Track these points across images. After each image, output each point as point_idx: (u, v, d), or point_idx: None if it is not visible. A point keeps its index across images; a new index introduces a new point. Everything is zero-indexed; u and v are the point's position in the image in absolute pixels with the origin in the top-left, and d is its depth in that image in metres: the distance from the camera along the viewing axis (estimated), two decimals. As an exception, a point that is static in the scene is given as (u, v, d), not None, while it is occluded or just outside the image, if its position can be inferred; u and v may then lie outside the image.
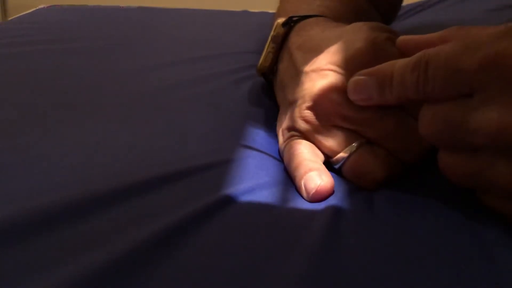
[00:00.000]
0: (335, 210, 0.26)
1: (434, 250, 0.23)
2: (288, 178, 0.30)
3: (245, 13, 0.89)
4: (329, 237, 0.24)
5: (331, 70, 0.30)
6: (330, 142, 0.30)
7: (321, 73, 0.31)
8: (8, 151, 0.33)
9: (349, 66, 0.29)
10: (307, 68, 0.32)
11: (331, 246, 0.23)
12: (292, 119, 0.32)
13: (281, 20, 0.40)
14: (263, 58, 0.40)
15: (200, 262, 0.22)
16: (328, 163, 0.30)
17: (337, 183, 0.29)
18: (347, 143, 0.29)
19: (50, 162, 0.31)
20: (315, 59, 0.32)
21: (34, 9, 0.92)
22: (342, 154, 0.29)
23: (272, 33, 0.40)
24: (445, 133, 0.24)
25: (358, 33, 0.31)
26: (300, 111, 0.31)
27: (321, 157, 0.31)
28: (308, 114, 0.31)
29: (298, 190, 0.28)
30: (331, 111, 0.30)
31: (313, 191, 0.27)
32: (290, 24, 0.39)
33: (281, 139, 0.33)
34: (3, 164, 0.31)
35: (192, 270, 0.22)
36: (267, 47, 0.40)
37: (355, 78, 0.28)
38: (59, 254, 0.22)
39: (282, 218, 0.26)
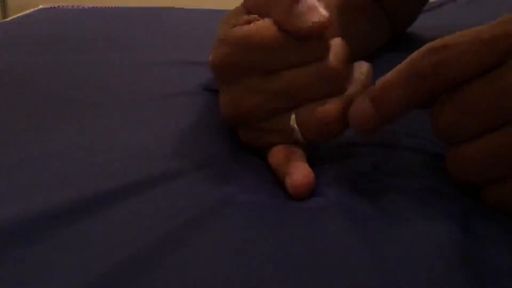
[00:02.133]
0: (334, 209, 0.26)
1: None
2: None
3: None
4: (329, 237, 0.24)
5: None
6: (279, 137, 0.31)
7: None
8: (7, 151, 0.33)
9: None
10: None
11: (331, 246, 0.23)
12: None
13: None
14: None
15: (200, 262, 0.22)
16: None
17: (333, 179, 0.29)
18: (283, 124, 0.30)
19: (50, 162, 0.31)
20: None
21: (34, 9, 0.92)
22: (296, 137, 0.30)
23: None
24: (497, 165, 0.24)
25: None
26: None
27: (298, 151, 0.30)
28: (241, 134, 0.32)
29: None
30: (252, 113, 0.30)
31: (291, 190, 0.28)
32: None
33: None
34: (2, 164, 0.31)
35: (192, 270, 0.22)
36: None
37: (355, 104, 0.27)
38: (59, 254, 0.22)
39: (283, 217, 0.26)
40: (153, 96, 0.44)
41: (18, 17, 0.85)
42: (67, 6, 0.94)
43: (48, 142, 0.34)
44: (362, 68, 0.31)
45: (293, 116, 0.30)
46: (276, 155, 0.30)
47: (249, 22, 0.30)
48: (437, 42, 0.24)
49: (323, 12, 0.28)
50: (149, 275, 0.21)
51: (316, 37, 0.29)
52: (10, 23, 0.81)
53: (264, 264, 0.22)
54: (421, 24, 0.63)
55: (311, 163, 0.30)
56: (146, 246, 0.23)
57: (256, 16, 0.30)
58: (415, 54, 0.25)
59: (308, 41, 0.28)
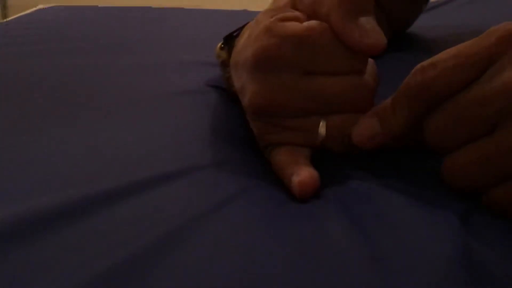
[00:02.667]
0: (334, 210, 0.26)
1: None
2: None
3: (245, 12, 0.89)
4: (328, 237, 0.24)
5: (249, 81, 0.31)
6: (300, 137, 0.31)
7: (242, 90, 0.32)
8: (7, 151, 0.33)
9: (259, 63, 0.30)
10: (235, 83, 0.33)
11: (330, 246, 0.23)
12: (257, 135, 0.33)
13: (218, 45, 0.41)
14: (225, 84, 0.40)
15: (200, 262, 0.22)
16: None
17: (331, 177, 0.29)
18: (312, 127, 0.30)
19: (50, 161, 0.31)
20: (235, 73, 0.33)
21: (34, 9, 0.92)
22: (319, 141, 0.30)
23: (218, 60, 0.41)
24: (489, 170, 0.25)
25: (256, 28, 0.31)
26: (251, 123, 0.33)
27: (304, 152, 0.31)
28: (258, 126, 0.32)
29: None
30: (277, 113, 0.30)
31: (296, 188, 0.28)
32: (228, 44, 0.39)
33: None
34: (2, 163, 0.31)
35: (192, 270, 0.22)
36: (222, 73, 0.40)
37: (361, 122, 0.29)
38: (59, 254, 0.22)
39: (282, 217, 0.26)
40: (153, 96, 0.44)
41: (17, 17, 0.85)
42: (66, 6, 0.94)
43: (48, 142, 0.34)
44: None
45: (323, 123, 0.30)
46: (283, 154, 0.30)
47: (298, 19, 0.30)
48: (425, 62, 0.27)
49: (382, 34, 0.29)
50: (149, 275, 0.21)
51: (367, 54, 0.30)
52: (10, 23, 0.80)
53: (264, 264, 0.22)
54: (421, 24, 0.63)
55: (313, 163, 0.30)
56: (146, 246, 0.23)
57: (302, 14, 0.31)
58: (409, 75, 0.28)
59: (356, 54, 0.29)
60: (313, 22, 0.29)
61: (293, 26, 0.29)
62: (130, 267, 0.21)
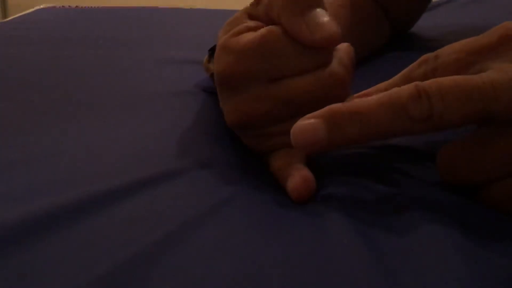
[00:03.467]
0: (334, 211, 0.26)
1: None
2: None
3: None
4: (329, 238, 0.24)
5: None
6: (288, 140, 0.29)
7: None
8: (7, 150, 0.33)
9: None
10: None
11: (331, 247, 0.23)
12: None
13: (205, 57, 0.41)
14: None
15: (200, 262, 0.22)
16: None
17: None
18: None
19: (49, 161, 0.31)
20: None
21: (34, 9, 0.92)
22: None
23: (207, 73, 0.40)
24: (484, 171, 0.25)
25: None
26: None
27: (299, 155, 0.30)
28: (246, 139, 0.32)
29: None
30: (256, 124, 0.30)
31: (292, 193, 0.27)
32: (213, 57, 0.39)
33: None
34: (2, 163, 0.31)
35: (192, 270, 0.22)
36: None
37: (300, 123, 0.26)
38: (59, 254, 0.22)
39: (282, 218, 0.26)
40: (153, 96, 0.44)
41: (17, 17, 0.85)
42: (67, 6, 0.94)
43: (48, 142, 0.34)
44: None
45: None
46: (278, 158, 0.30)
47: (251, 29, 0.30)
48: (431, 54, 0.27)
49: (334, 25, 0.28)
50: (149, 275, 0.21)
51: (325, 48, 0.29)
52: (10, 23, 0.80)
53: (264, 265, 0.22)
54: (421, 24, 0.63)
55: (312, 167, 0.30)
56: (146, 246, 0.23)
57: (258, 22, 0.30)
58: (410, 67, 0.28)
59: (315, 49, 0.29)
60: (265, 28, 0.29)
61: (247, 37, 0.29)
62: (130, 267, 0.21)
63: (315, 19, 0.28)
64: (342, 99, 0.29)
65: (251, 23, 0.30)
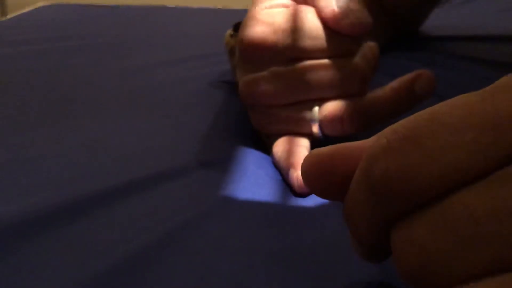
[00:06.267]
0: (334, 208, 0.26)
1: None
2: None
3: (246, 11, 0.89)
4: (329, 236, 0.24)
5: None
6: (295, 127, 0.31)
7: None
8: (7, 150, 0.33)
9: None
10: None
11: (330, 245, 0.23)
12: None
13: (228, 32, 0.41)
14: (232, 73, 0.40)
15: (199, 261, 0.22)
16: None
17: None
18: (306, 115, 0.30)
19: (49, 161, 0.31)
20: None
21: (34, 7, 0.92)
22: (315, 130, 0.30)
23: (226, 48, 0.40)
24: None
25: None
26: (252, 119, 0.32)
27: (303, 143, 0.31)
28: (256, 121, 0.32)
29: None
30: (267, 102, 0.30)
31: (295, 183, 0.28)
32: (237, 32, 0.39)
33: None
34: (2, 163, 0.31)
35: (192, 269, 0.22)
36: (230, 62, 0.40)
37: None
38: (58, 254, 0.22)
39: (282, 216, 0.26)
40: (153, 96, 0.44)
41: (17, 15, 0.85)
42: (66, 4, 0.94)
43: (47, 142, 0.34)
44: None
45: (316, 109, 0.30)
46: (282, 145, 0.30)
47: (285, 6, 0.30)
48: (396, 131, 0.15)
49: (365, 14, 0.29)
50: (148, 275, 0.21)
51: (351, 36, 0.29)
52: (9, 22, 0.80)
53: (264, 264, 0.22)
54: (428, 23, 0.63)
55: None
56: (146, 245, 0.23)
57: (292, 1, 0.31)
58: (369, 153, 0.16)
59: (341, 37, 0.29)
60: (299, 7, 0.29)
61: (279, 12, 0.29)
62: (130, 266, 0.21)
63: (346, 6, 0.28)
64: (358, 93, 0.30)
65: (285, 0, 0.31)
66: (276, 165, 0.30)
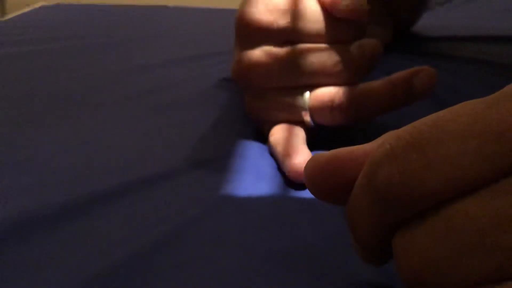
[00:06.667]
0: (334, 207, 0.26)
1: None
2: None
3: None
4: (329, 235, 0.24)
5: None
6: (287, 113, 0.31)
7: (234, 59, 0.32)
8: (6, 150, 0.33)
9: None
10: None
11: (331, 244, 0.23)
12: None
13: None
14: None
15: (199, 261, 0.22)
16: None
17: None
18: (297, 102, 0.30)
19: (49, 161, 0.31)
20: None
21: (33, 7, 0.92)
22: (306, 118, 0.30)
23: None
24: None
25: None
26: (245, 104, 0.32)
27: (299, 132, 0.30)
28: (249, 99, 0.32)
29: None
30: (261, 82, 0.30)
31: (291, 173, 0.28)
32: None
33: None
34: (2, 163, 0.31)
35: (191, 269, 0.22)
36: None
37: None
38: (57, 253, 0.22)
39: (281, 215, 0.26)
40: (153, 95, 0.44)
41: (17, 15, 0.85)
42: (66, 4, 0.94)
43: (47, 142, 0.34)
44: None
45: (307, 95, 0.30)
46: (278, 134, 0.30)
47: None
48: (400, 139, 0.15)
49: (364, 1, 0.28)
50: (148, 275, 0.21)
51: (348, 21, 0.29)
52: (9, 22, 0.80)
53: (264, 263, 0.22)
54: (420, 23, 0.63)
55: (311, 145, 0.30)
56: (145, 245, 0.23)
57: None
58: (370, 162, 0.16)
59: (339, 22, 0.29)
60: None
61: None
62: (129, 266, 0.21)
63: None
64: (349, 82, 0.29)
65: None
66: (271, 153, 0.30)
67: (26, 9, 0.89)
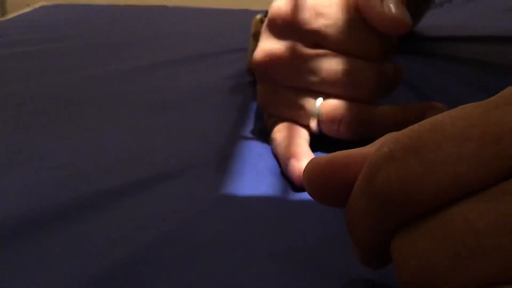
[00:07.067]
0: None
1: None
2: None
3: (245, 11, 0.89)
4: (329, 234, 0.24)
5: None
6: (296, 114, 0.31)
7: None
8: (7, 150, 0.33)
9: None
10: None
11: (331, 243, 0.23)
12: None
13: (258, 16, 0.40)
14: (249, 57, 0.40)
15: (199, 261, 0.22)
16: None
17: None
18: (308, 105, 0.30)
19: (48, 161, 0.31)
20: None
21: (34, 7, 0.92)
22: (312, 124, 0.30)
23: (252, 30, 0.40)
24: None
25: None
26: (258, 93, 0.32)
27: (303, 135, 0.31)
28: (261, 89, 0.32)
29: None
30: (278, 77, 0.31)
31: (296, 177, 0.28)
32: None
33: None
34: (2, 163, 0.31)
35: (191, 269, 0.22)
36: (250, 45, 0.40)
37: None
38: (56, 254, 0.22)
39: (282, 214, 0.26)
40: (153, 95, 0.44)
41: (17, 15, 0.85)
42: (66, 4, 0.94)
43: (47, 142, 0.34)
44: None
45: (319, 102, 0.30)
46: (282, 132, 0.30)
47: None
48: (399, 141, 0.15)
49: (408, 16, 0.28)
50: (147, 275, 0.21)
51: (384, 35, 0.29)
52: (9, 22, 0.80)
53: (264, 263, 0.22)
54: (420, 23, 0.63)
55: (312, 147, 0.30)
56: (145, 245, 0.23)
57: None
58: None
59: (372, 38, 0.28)
60: None
61: None
62: (129, 266, 0.21)
63: (390, 2, 0.28)
64: (363, 99, 0.29)
65: None
66: (273, 151, 0.30)
67: (26, 9, 0.89)
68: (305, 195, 0.28)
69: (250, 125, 0.36)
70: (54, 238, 0.23)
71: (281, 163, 0.29)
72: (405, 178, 0.14)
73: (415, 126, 0.14)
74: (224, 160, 0.31)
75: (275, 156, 0.30)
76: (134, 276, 0.21)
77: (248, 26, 0.43)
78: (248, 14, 0.87)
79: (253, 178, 0.29)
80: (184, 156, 0.32)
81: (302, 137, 0.30)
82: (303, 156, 0.28)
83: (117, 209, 0.26)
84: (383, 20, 0.28)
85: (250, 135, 0.35)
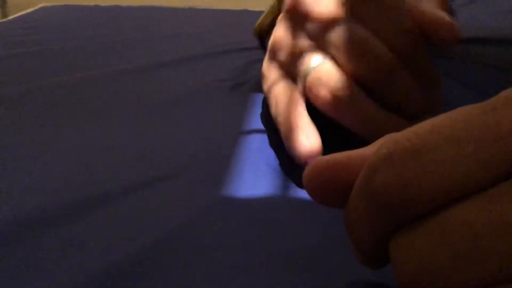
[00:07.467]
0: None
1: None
2: (287, 163, 0.30)
3: (245, 12, 0.89)
4: (329, 236, 0.24)
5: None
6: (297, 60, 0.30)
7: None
8: (6, 150, 0.33)
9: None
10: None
11: (331, 244, 0.23)
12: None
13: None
14: (261, 19, 0.40)
15: (198, 262, 0.22)
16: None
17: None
18: (302, 65, 0.30)
19: (49, 161, 0.31)
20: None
21: (35, 8, 0.92)
22: (300, 81, 0.30)
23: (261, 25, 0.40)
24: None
25: None
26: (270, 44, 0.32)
27: (301, 103, 0.30)
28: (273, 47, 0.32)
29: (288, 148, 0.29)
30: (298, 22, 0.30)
31: (299, 157, 0.27)
32: None
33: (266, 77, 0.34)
34: (2, 163, 0.31)
35: (190, 270, 0.22)
36: (267, 9, 0.40)
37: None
38: (56, 254, 0.22)
39: (282, 216, 0.26)
40: (153, 96, 0.44)
41: (18, 16, 0.85)
42: (67, 5, 0.94)
43: (47, 142, 0.34)
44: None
45: (318, 58, 0.29)
46: (279, 99, 0.30)
47: None
48: (397, 143, 0.15)
49: (458, 28, 0.27)
50: (148, 275, 0.21)
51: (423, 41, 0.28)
52: (10, 23, 0.80)
53: (264, 264, 0.22)
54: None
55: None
56: (145, 245, 0.23)
57: None
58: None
59: (411, 34, 0.27)
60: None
61: None
62: (128, 267, 0.21)
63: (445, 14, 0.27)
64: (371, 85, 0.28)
65: None
66: (273, 113, 0.30)
67: (27, 10, 0.89)
68: (304, 196, 0.28)
69: (249, 124, 0.36)
70: (55, 238, 0.23)
71: (282, 134, 0.29)
72: (404, 179, 0.14)
73: (414, 128, 0.14)
74: (224, 160, 0.31)
75: (274, 119, 0.30)
76: (134, 277, 0.21)
77: (248, 26, 0.43)
78: (248, 14, 0.87)
79: (253, 177, 0.29)
80: (184, 156, 0.32)
81: (302, 106, 0.30)
82: (303, 132, 0.28)
83: (117, 210, 0.26)
84: (441, 22, 0.27)
85: (249, 135, 0.35)
